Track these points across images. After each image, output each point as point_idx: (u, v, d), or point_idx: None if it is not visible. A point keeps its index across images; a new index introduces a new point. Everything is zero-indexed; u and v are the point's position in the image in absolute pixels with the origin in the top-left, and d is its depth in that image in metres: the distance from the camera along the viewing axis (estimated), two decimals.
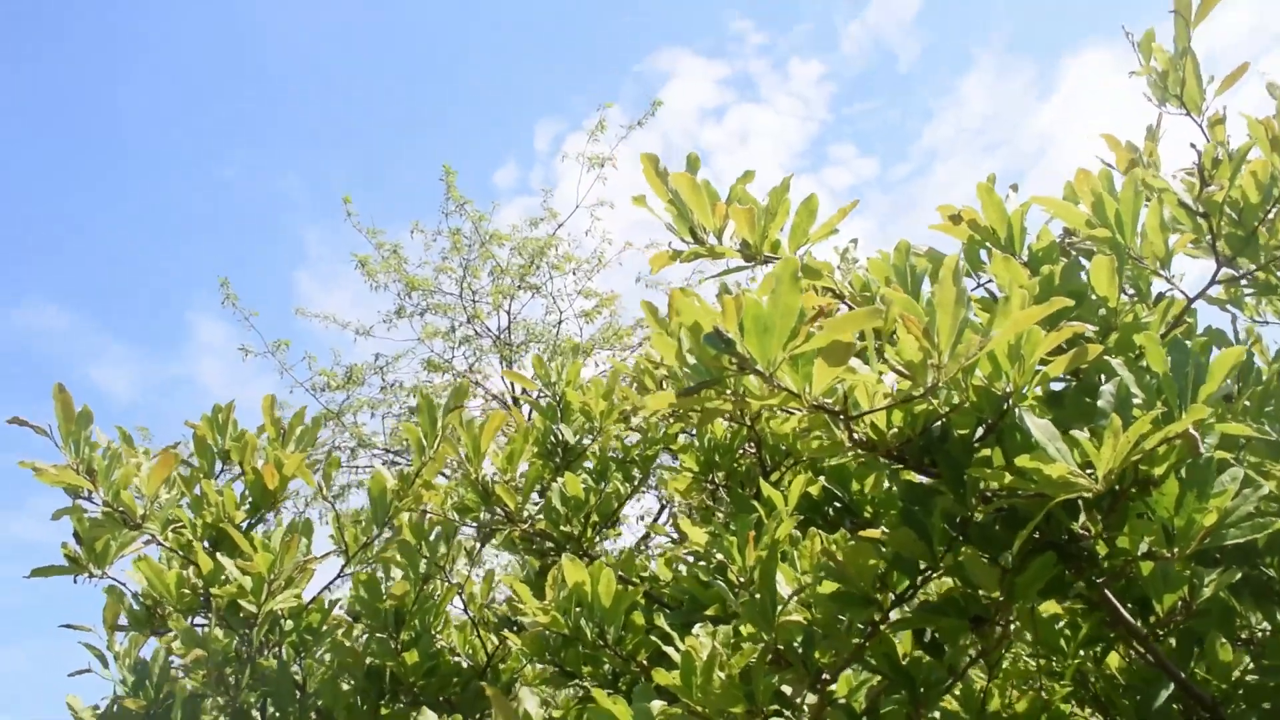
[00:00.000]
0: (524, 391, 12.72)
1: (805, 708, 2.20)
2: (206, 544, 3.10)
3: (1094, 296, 2.08)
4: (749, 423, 3.08)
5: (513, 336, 13.72)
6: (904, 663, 2.28)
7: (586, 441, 3.49)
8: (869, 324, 1.63)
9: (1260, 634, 2.40)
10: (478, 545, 3.47)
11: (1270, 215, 2.10)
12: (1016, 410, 1.83)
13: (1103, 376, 2.03)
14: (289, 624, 3.20)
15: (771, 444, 3.11)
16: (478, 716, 3.26)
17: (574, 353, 12.82)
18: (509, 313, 13.90)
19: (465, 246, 13.95)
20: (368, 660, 3.23)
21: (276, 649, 3.20)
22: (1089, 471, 1.72)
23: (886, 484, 2.45)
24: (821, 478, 2.58)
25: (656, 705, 2.20)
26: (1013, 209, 2.24)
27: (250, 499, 3.22)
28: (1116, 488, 1.87)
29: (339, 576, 3.34)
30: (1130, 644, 2.31)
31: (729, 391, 1.79)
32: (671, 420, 3.40)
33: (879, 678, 2.35)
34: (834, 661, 2.20)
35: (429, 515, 3.26)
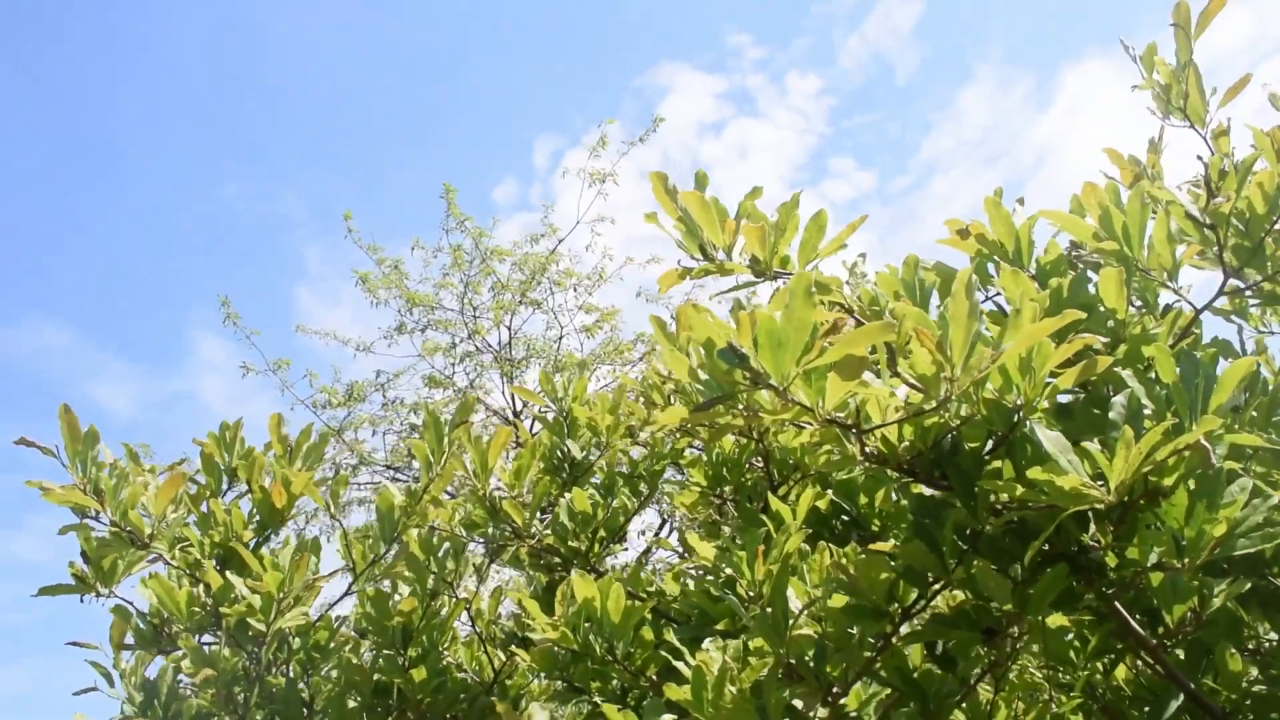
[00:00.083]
0: (525, 406, 12.74)
1: None
2: (215, 563, 3.10)
3: (1102, 309, 2.09)
4: (757, 437, 3.09)
5: (514, 352, 13.72)
6: (915, 675, 2.28)
7: (593, 456, 3.50)
8: (882, 338, 1.64)
9: (1268, 644, 2.41)
10: (486, 561, 3.47)
11: (1277, 226, 2.11)
12: (1027, 423, 1.84)
13: (1111, 388, 2.04)
14: (297, 642, 3.20)
15: (779, 458, 3.12)
16: None
17: (580, 368, 12.83)
18: (510, 328, 13.91)
19: (466, 262, 13.96)
20: (375, 677, 3.23)
21: (284, 667, 3.20)
22: (1100, 483, 1.73)
23: (895, 497, 2.46)
24: (829, 491, 2.59)
25: (668, 719, 2.20)
26: (1020, 222, 2.25)
27: (258, 517, 3.22)
28: (1126, 499, 1.87)
29: (347, 593, 3.34)
30: (1139, 655, 2.31)
31: (741, 407, 1.80)
32: (678, 435, 3.41)
33: (889, 691, 2.36)
34: (845, 675, 2.21)
35: (437, 531, 3.26)
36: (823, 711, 2.20)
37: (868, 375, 1.75)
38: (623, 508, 3.40)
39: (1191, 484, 1.84)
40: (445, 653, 3.31)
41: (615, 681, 2.79)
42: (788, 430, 2.94)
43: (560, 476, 3.52)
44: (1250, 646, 2.40)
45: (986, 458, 1.99)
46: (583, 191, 14.33)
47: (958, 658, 2.26)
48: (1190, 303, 2.25)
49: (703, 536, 3.07)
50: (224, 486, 3.32)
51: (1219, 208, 2.09)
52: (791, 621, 2.20)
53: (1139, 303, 2.29)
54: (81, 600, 3.18)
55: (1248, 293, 2.30)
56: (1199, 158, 2.22)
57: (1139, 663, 2.40)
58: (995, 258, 2.27)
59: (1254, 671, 2.31)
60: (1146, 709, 2.32)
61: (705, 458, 3.26)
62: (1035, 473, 1.74)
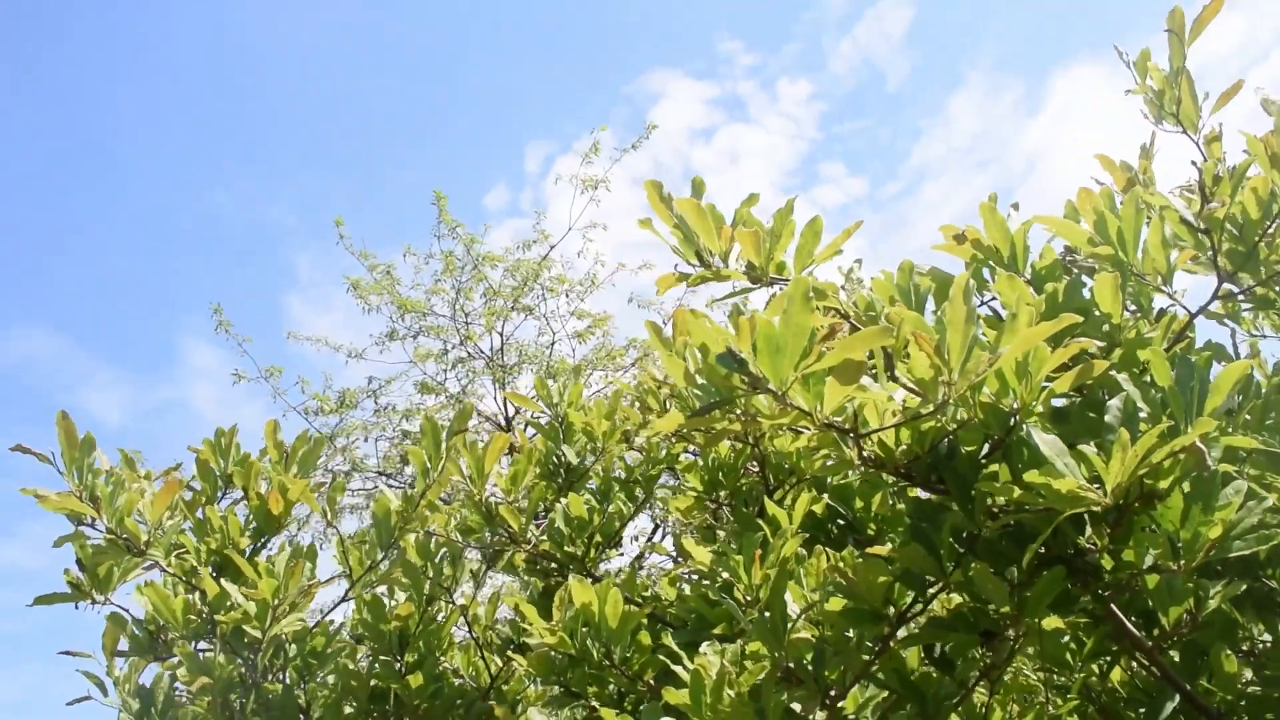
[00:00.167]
0: (518, 412, 12.74)
1: None
2: (211, 569, 3.10)
3: (1098, 313, 2.11)
4: (753, 442, 3.09)
5: (505, 358, 13.72)
6: (913, 678, 2.29)
7: (589, 462, 3.51)
8: (879, 342, 1.65)
9: (1262, 645, 2.42)
10: (483, 567, 3.47)
11: (1270, 231, 2.12)
12: (1024, 426, 1.85)
13: (1106, 392, 2.05)
14: (293, 648, 3.20)
15: (775, 463, 3.13)
16: None
17: (575, 374, 12.82)
18: (502, 334, 13.91)
19: (457, 268, 13.96)
20: (371, 683, 3.23)
21: (281, 673, 3.20)
22: (1096, 486, 1.75)
23: (892, 501, 2.47)
24: (825, 496, 2.60)
25: None
26: (1015, 228, 2.26)
27: (255, 524, 3.22)
28: (1122, 502, 1.89)
29: (343, 600, 3.34)
30: (1134, 657, 2.33)
31: (739, 412, 1.81)
32: (674, 440, 3.41)
33: (887, 693, 2.37)
34: (843, 678, 2.22)
35: (434, 537, 3.27)
36: (821, 714, 2.21)
37: (865, 380, 1.76)
38: (618, 513, 3.40)
39: (1187, 487, 1.85)
40: (442, 658, 3.32)
41: (612, 686, 2.79)
42: (784, 435, 2.95)
43: (556, 482, 3.52)
44: (1245, 648, 2.41)
45: (983, 461, 2.00)
46: (575, 198, 14.33)
47: (955, 660, 2.28)
48: (1185, 307, 2.27)
49: (698, 541, 3.07)
50: (220, 493, 3.32)
51: (1214, 213, 2.11)
52: (790, 625, 2.21)
53: (1134, 307, 2.30)
54: (77, 608, 3.18)
55: (1240, 297, 2.32)
56: (1193, 163, 2.24)
57: (1134, 664, 2.42)
58: (990, 263, 2.28)
59: (1248, 673, 2.33)
60: (1142, 710, 2.33)
61: (701, 463, 3.27)
62: (1032, 476, 1.75)
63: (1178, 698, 2.19)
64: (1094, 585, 2.05)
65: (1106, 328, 2.11)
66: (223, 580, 3.01)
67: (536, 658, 2.83)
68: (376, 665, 3.24)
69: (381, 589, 3.34)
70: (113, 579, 3.13)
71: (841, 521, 2.58)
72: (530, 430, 11.08)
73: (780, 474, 3.15)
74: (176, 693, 3.22)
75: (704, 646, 2.37)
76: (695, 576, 3.18)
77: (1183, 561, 1.86)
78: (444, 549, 3.29)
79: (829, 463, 2.05)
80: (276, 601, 2.94)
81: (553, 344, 13.99)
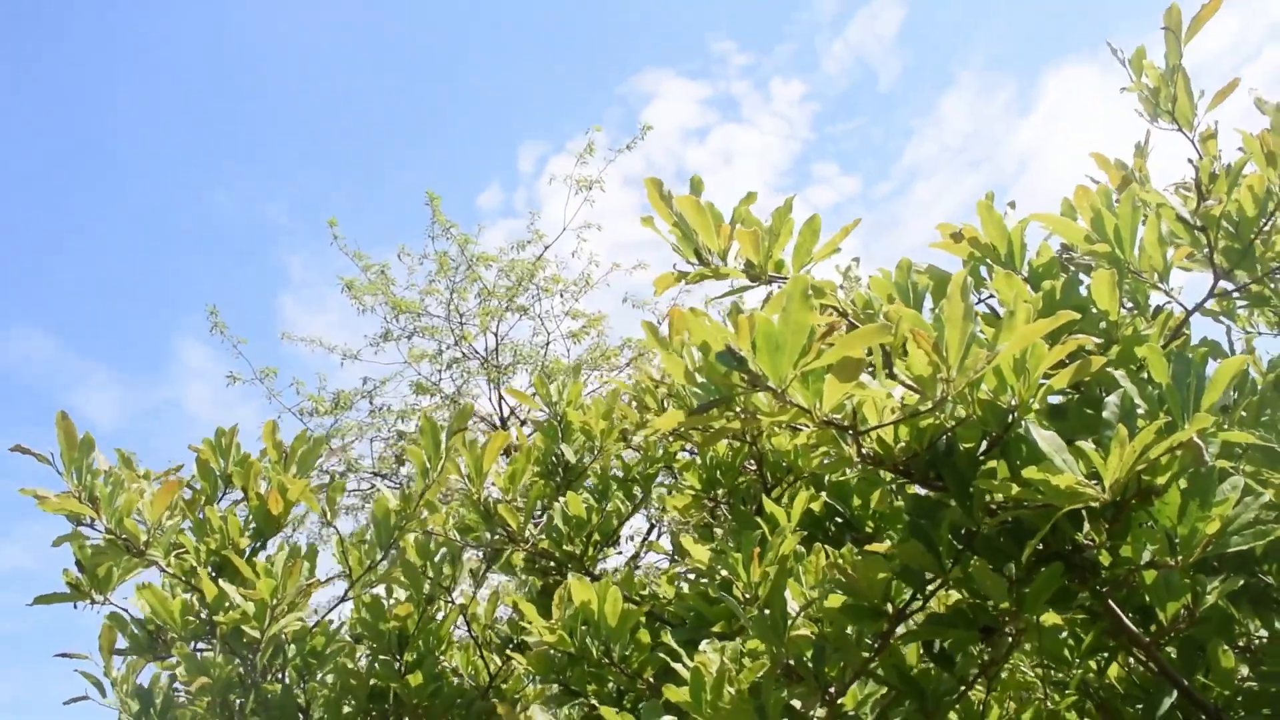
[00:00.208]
0: (512, 412, 12.75)
1: None
2: (211, 570, 3.10)
3: (1095, 310, 2.12)
4: (751, 440, 3.10)
5: (500, 358, 13.73)
6: (913, 674, 2.30)
7: (587, 461, 3.51)
8: (878, 340, 1.66)
9: (1259, 640, 2.44)
10: (483, 566, 3.48)
11: (1266, 228, 2.14)
12: (1022, 423, 1.86)
13: (1103, 389, 2.06)
14: (292, 648, 3.21)
15: (773, 461, 3.14)
16: None
17: (574, 374, 12.84)
18: (496, 334, 13.92)
19: (452, 269, 13.97)
20: (371, 682, 3.24)
21: (280, 673, 3.20)
22: (1095, 482, 1.76)
23: (891, 499, 2.48)
24: (823, 494, 2.61)
25: None
26: (1012, 226, 2.27)
27: (254, 524, 3.22)
28: (1120, 498, 1.90)
29: (343, 600, 3.34)
30: (1132, 653, 2.34)
31: (738, 409, 1.82)
32: (671, 439, 3.42)
33: (886, 690, 2.38)
34: (843, 674, 2.23)
35: (434, 536, 3.27)
36: (821, 711, 2.21)
37: (864, 377, 1.77)
38: (616, 511, 3.41)
39: (1184, 483, 1.86)
40: (441, 657, 3.32)
41: (611, 684, 2.80)
42: (782, 433, 2.96)
43: (554, 481, 3.53)
44: (1241, 644, 2.42)
45: (981, 458, 2.01)
46: (569, 198, 14.34)
47: (955, 656, 2.29)
48: (1181, 304, 2.28)
49: (696, 540, 3.08)
50: (219, 493, 3.32)
51: (1210, 210, 2.12)
52: (789, 622, 2.22)
53: (1130, 304, 2.31)
54: (76, 607, 3.18)
55: (1236, 294, 2.33)
56: (1190, 161, 2.25)
57: (1132, 660, 2.43)
58: (988, 261, 2.29)
59: (1245, 669, 2.34)
60: (1139, 706, 2.34)
61: (699, 461, 3.27)
62: (1031, 472, 1.76)
63: (1175, 693, 2.20)
64: (1092, 581, 2.06)
65: (1104, 325, 2.12)
66: (221, 580, 3.01)
67: (536, 656, 2.83)
68: (376, 665, 3.25)
69: (380, 588, 3.34)
70: (112, 579, 3.13)
71: (839, 519, 2.59)
72: (528, 428, 11.10)
73: (778, 472, 3.16)
74: (175, 693, 3.23)
75: (703, 644, 2.37)
76: (693, 575, 3.19)
77: (1180, 557, 1.87)
78: (443, 548, 3.30)
79: (828, 460, 2.06)
80: (275, 601, 2.94)
81: (547, 344, 14.01)
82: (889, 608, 2.17)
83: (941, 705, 2.27)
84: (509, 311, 13.89)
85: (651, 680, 2.65)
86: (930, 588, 2.14)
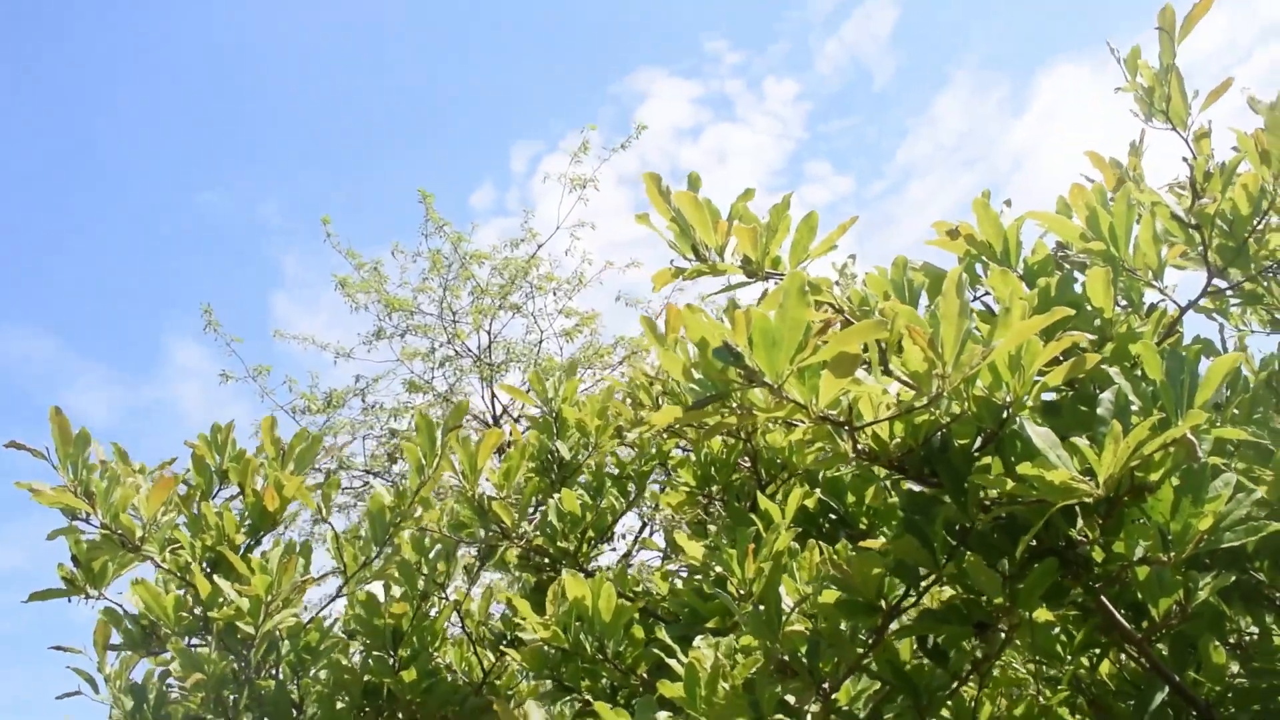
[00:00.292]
0: (505, 410, 12.75)
1: (809, 717, 2.23)
2: (205, 565, 3.10)
3: (1089, 308, 2.13)
4: (745, 437, 3.11)
5: (493, 356, 13.73)
6: (907, 670, 2.31)
7: (582, 457, 3.52)
8: (874, 336, 1.67)
9: (1250, 637, 2.45)
10: (477, 563, 3.48)
11: (1260, 227, 2.15)
12: (1017, 419, 1.87)
13: (1097, 386, 2.07)
14: (286, 644, 3.21)
15: (767, 458, 3.15)
16: None
17: (570, 370, 12.84)
18: (489, 332, 13.92)
19: (444, 266, 13.97)
20: (365, 678, 3.24)
21: (274, 669, 3.20)
22: (1089, 477, 1.77)
23: (885, 495, 2.49)
24: (817, 490, 2.62)
25: (661, 716, 2.22)
26: (1008, 223, 2.29)
27: (250, 520, 3.23)
28: (1114, 494, 1.91)
29: (337, 595, 3.35)
30: (1123, 649, 2.35)
31: (735, 405, 1.83)
32: (666, 436, 3.43)
33: (879, 685, 2.39)
34: (837, 670, 2.24)
35: (428, 533, 3.28)
36: (815, 706, 2.22)
37: (860, 373, 1.78)
38: (611, 508, 3.42)
39: (1176, 479, 1.88)
40: (435, 654, 3.33)
41: (605, 680, 2.81)
42: (775, 430, 2.97)
43: (549, 477, 3.53)
44: (1232, 641, 2.44)
45: (976, 454, 2.02)
46: (563, 197, 14.35)
47: (949, 651, 2.30)
48: (1175, 302, 2.29)
49: (690, 536, 3.09)
50: (215, 488, 3.32)
51: (1204, 208, 2.13)
52: (784, 618, 2.23)
53: (1124, 302, 2.33)
54: (70, 602, 3.18)
55: (1229, 292, 2.34)
56: (1184, 159, 2.26)
57: (1124, 656, 2.44)
58: (983, 258, 2.31)
59: (1235, 666, 2.35)
60: (1131, 702, 2.36)
61: (694, 458, 3.28)
62: (1025, 468, 1.77)
63: (1166, 689, 2.22)
64: (1085, 577, 2.08)
65: (1098, 322, 2.13)
66: (216, 576, 3.01)
67: (530, 652, 2.84)
68: (370, 661, 3.25)
69: (374, 585, 3.34)
70: (106, 574, 3.13)
71: (834, 516, 2.61)
72: (522, 424, 11.09)
73: (772, 469, 3.17)
74: (169, 688, 3.23)
75: (697, 640, 2.38)
76: (687, 572, 3.20)
77: (1173, 553, 1.88)
78: (438, 545, 3.30)
79: (823, 456, 2.07)
80: (270, 597, 2.94)
81: (540, 342, 14.02)
82: (883, 603, 2.18)
83: (935, 701, 2.28)
84: (502, 309, 13.90)
85: (645, 676, 2.66)
86: (924, 583, 2.15)
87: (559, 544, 3.30)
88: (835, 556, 2.23)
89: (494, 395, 13.25)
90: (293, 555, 2.97)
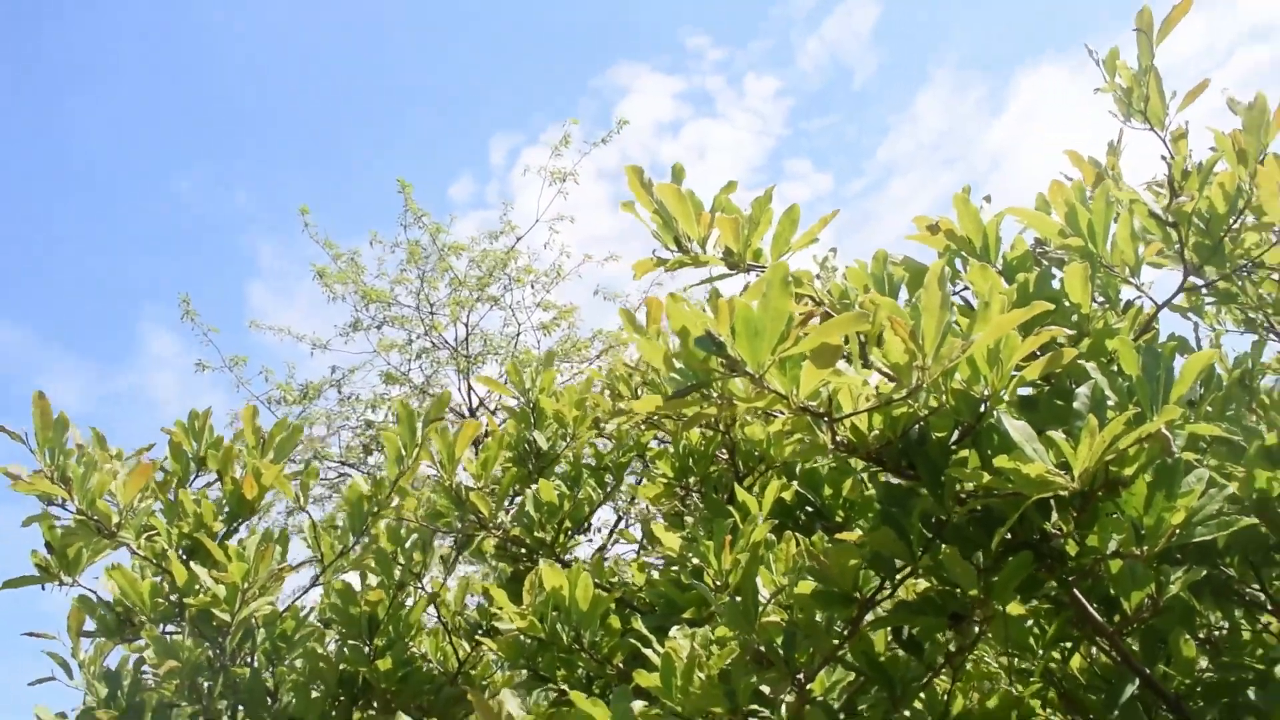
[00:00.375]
0: (481, 403, 12.73)
1: (784, 707, 2.24)
2: (182, 553, 3.09)
3: (1067, 303, 2.15)
4: (724, 429, 3.13)
5: (470, 348, 13.70)
6: (881, 660, 2.33)
7: (559, 448, 3.53)
8: (856, 327, 1.69)
9: (1219, 632, 2.48)
10: (453, 553, 3.49)
11: (1235, 225, 2.18)
12: (995, 413, 1.89)
13: (1074, 381, 2.09)
14: (261, 633, 3.21)
15: (745, 450, 3.16)
16: None
17: (547, 361, 12.84)
18: (467, 324, 13.89)
19: (423, 258, 13.93)
20: (340, 667, 3.24)
21: (249, 657, 3.20)
22: (1064, 471, 1.79)
23: (863, 487, 2.50)
24: (794, 483, 2.63)
25: (637, 705, 2.23)
26: (987, 220, 2.31)
27: (228, 508, 3.22)
28: (1088, 488, 1.93)
29: (314, 584, 3.34)
30: (1095, 642, 2.37)
31: (715, 395, 1.84)
32: (644, 428, 3.44)
33: (854, 676, 2.40)
34: (812, 660, 2.25)
35: (405, 523, 3.28)
36: (790, 696, 2.24)
37: (840, 364, 1.79)
38: (588, 499, 3.43)
39: (1150, 474, 1.90)
40: (411, 643, 3.33)
41: (581, 670, 2.82)
42: (754, 423, 2.98)
43: (527, 467, 3.54)
44: (1202, 635, 2.47)
45: (953, 447, 2.04)
46: (542, 190, 14.33)
47: (924, 643, 2.32)
48: (1151, 299, 2.32)
49: (667, 528, 3.10)
50: (191, 475, 3.31)
51: (1182, 207, 2.16)
52: (760, 609, 2.24)
53: (1101, 298, 2.35)
54: (44, 589, 3.16)
55: (1204, 291, 2.37)
56: (1163, 158, 2.29)
57: (1095, 650, 2.46)
58: (963, 253, 2.33)
59: (1204, 661, 2.38)
60: (1102, 695, 2.38)
61: (672, 450, 3.30)
62: (1002, 461, 1.79)
63: (1137, 682, 2.24)
64: (1059, 570, 2.10)
65: (1075, 317, 2.16)
66: (192, 564, 3.01)
67: (506, 641, 2.84)
68: (345, 650, 3.25)
69: (350, 574, 3.34)
70: (81, 561, 3.12)
71: (810, 508, 2.62)
72: (499, 416, 11.08)
73: (750, 461, 3.18)
74: (143, 675, 3.22)
75: (673, 630, 2.39)
76: (663, 562, 3.21)
77: (1145, 547, 1.91)
78: (414, 534, 3.30)
79: (802, 447, 2.08)
80: (246, 585, 2.94)
81: (518, 335, 14.00)
82: (858, 595, 2.19)
83: (908, 692, 2.30)
84: (479, 302, 13.88)
85: (621, 666, 2.67)
86: (900, 575, 2.16)
87: (536, 534, 3.31)
88: (812, 548, 2.24)
89: (470, 387, 13.23)
90: (270, 543, 2.97)
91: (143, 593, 3.09)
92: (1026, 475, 1.77)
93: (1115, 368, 1.99)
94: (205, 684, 3.09)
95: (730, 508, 2.53)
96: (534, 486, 3.32)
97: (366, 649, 3.22)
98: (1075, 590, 2.14)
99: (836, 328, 1.65)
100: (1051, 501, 2.04)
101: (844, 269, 2.37)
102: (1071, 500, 1.98)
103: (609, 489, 3.52)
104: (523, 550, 3.37)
